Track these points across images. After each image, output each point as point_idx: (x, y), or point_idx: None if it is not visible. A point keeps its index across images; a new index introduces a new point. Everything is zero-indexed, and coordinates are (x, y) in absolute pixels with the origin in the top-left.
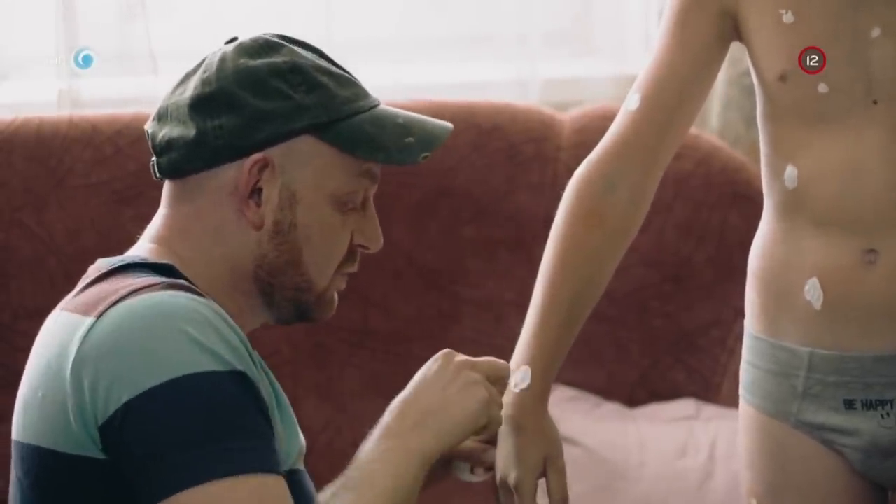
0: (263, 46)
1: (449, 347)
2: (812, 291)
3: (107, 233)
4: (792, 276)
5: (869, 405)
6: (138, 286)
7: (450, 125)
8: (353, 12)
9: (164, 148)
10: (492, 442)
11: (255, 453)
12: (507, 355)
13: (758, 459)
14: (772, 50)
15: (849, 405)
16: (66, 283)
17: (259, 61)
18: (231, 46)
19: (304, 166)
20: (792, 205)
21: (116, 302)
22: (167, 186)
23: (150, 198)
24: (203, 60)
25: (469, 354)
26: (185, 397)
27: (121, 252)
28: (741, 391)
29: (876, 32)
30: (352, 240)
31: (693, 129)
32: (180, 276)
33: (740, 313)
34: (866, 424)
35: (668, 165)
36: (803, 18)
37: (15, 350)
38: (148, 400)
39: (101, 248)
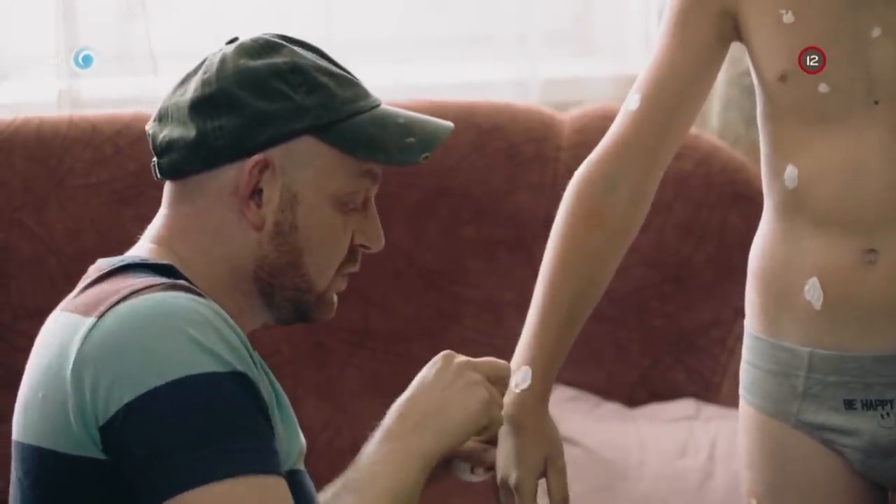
0: (264, 47)
1: (449, 347)
2: (812, 291)
3: (107, 233)
4: (792, 276)
5: (869, 405)
6: (139, 287)
7: (450, 124)
8: (353, 12)
9: (165, 149)
10: (492, 442)
11: (256, 454)
12: (507, 355)
13: (758, 459)
14: (772, 50)
15: (849, 405)
16: (66, 283)
17: (259, 62)
18: (231, 47)
19: (305, 167)
20: (792, 205)
21: (117, 302)
22: (168, 187)
23: (150, 198)
24: (203, 61)
25: (469, 354)
26: (186, 398)
27: (121, 252)
28: (741, 391)
29: (876, 32)
30: (353, 240)
31: (693, 129)
32: (180, 276)
33: (740, 313)
34: (866, 424)
35: (668, 165)
36: (803, 18)
37: (15, 350)
38: (149, 401)
39: (101, 248)
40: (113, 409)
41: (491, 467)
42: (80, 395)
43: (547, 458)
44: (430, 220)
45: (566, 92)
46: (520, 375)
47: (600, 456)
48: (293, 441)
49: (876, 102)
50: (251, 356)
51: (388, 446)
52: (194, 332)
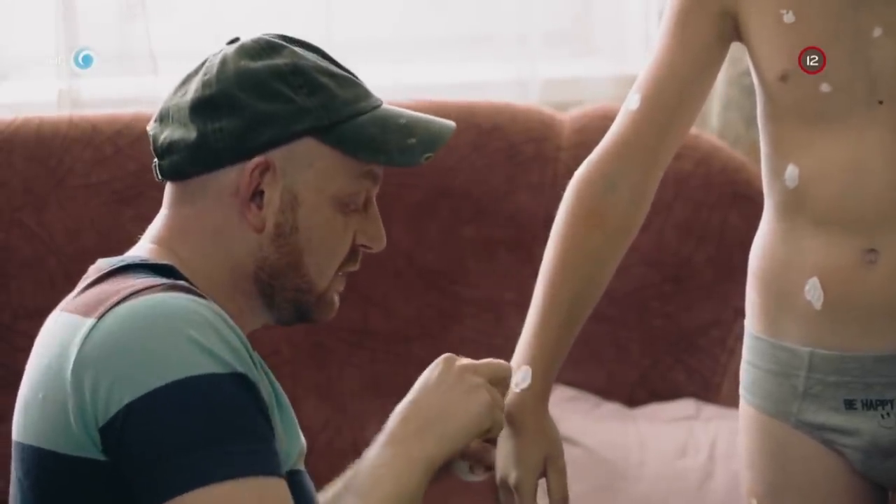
0: (265, 48)
1: (449, 347)
2: (812, 291)
3: (107, 233)
4: (792, 276)
5: (869, 405)
6: (139, 287)
7: (452, 124)
8: (353, 12)
9: (166, 150)
10: (492, 442)
11: (256, 456)
12: (507, 355)
13: (758, 459)
14: (772, 50)
15: (849, 405)
16: (66, 283)
17: (260, 63)
18: (232, 48)
19: (306, 169)
20: (792, 204)
21: (117, 303)
22: (169, 188)
23: (151, 198)
24: (204, 62)
25: (469, 354)
26: (186, 399)
27: (121, 252)
28: (741, 391)
29: (877, 32)
30: (354, 240)
31: (693, 129)
32: (181, 276)
33: (740, 313)
34: (867, 424)
35: (668, 165)
36: (804, 18)
37: (15, 350)
38: (149, 401)
39: (101, 248)
40: (113, 410)
41: (491, 467)
42: (80, 395)
43: (547, 457)
44: (431, 220)
45: (566, 92)
46: (520, 375)
47: (600, 456)
48: (293, 441)
49: (880, 102)
50: (251, 357)
51: (390, 450)
52: (194, 332)
